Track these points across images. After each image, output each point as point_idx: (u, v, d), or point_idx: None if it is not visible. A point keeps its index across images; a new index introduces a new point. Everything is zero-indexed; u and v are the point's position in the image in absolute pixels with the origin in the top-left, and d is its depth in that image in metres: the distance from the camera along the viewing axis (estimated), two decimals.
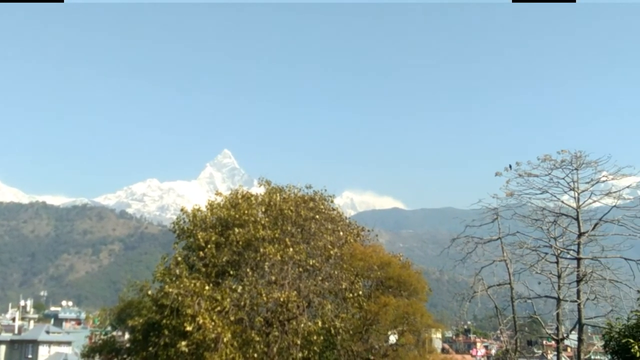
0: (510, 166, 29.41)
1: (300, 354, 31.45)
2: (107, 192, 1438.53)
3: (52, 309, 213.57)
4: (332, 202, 38.82)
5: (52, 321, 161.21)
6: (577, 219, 28.48)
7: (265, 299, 30.67)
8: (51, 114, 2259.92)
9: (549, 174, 29.08)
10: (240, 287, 31.12)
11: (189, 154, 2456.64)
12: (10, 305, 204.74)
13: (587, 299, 27.48)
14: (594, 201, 29.02)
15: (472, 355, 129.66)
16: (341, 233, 36.68)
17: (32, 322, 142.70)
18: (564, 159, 28.93)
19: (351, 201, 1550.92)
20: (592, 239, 28.41)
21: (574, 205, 28.80)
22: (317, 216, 35.43)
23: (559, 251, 28.65)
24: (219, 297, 30.23)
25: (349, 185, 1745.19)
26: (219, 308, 30.03)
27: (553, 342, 38.20)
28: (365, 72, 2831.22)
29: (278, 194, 35.82)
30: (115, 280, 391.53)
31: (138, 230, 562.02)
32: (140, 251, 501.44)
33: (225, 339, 29.20)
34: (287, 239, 32.50)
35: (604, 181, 29.16)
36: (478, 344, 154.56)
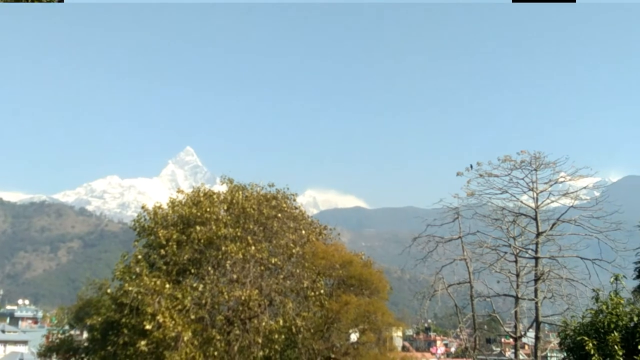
0: (471, 166, 29.69)
1: (261, 353, 31.36)
2: (66, 189, 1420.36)
3: (8, 307, 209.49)
4: (294, 200, 38.82)
5: (8, 320, 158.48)
6: (535, 218, 28.88)
7: (226, 297, 30.53)
8: (9, 109, 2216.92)
9: (509, 174, 29.46)
10: (201, 286, 30.94)
11: (150, 151, 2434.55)
12: None
13: (545, 297, 27.87)
14: (552, 201, 29.47)
15: (432, 353, 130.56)
16: (303, 232, 36.69)
17: None
18: (524, 160, 29.33)
19: (314, 200, 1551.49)
20: (549, 239, 28.84)
21: (533, 205, 29.19)
22: (280, 215, 35.40)
23: (517, 250, 29.01)
24: (179, 296, 29.99)
25: (312, 184, 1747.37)
26: (179, 306, 29.80)
27: (511, 340, 38.71)
28: (331, 70, 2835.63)
29: (240, 192, 35.68)
30: (74, 278, 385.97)
31: (98, 228, 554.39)
32: (100, 249, 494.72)
33: (185, 338, 29.00)
34: (249, 237, 32.41)
35: (562, 182, 29.63)
36: (438, 342, 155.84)
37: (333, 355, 37.40)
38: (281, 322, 31.69)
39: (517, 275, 28.76)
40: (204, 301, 30.46)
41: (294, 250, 34.04)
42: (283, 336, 32.41)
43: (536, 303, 27.91)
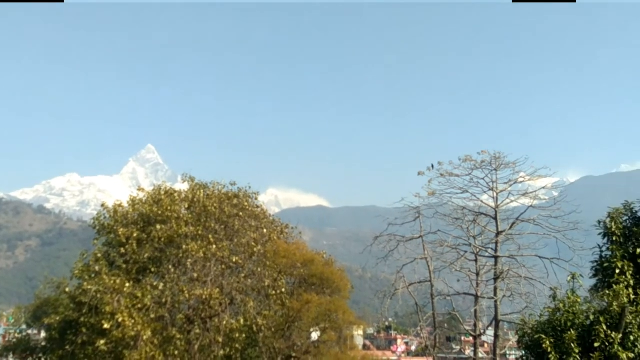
0: (432, 166, 29.85)
1: (222, 352, 31.24)
2: (24, 187, 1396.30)
3: None
4: (256, 199, 38.69)
5: None
6: (495, 218, 29.17)
7: (187, 296, 30.35)
8: None
9: (470, 174, 29.70)
10: (161, 284, 30.70)
11: (111, 149, 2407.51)
12: None
13: (504, 296, 28.16)
14: (512, 201, 29.79)
15: (393, 352, 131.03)
16: (265, 230, 36.59)
17: None
18: (484, 160, 29.59)
19: (276, 198, 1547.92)
20: (509, 238, 29.14)
21: (493, 204, 29.47)
22: (241, 213, 35.26)
23: (477, 249, 29.27)
24: (139, 295, 29.71)
25: (274, 183, 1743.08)
26: (139, 305, 29.51)
27: (471, 338, 39.05)
28: (295, 69, 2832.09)
29: (202, 191, 35.45)
30: (32, 277, 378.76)
31: (57, 226, 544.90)
32: (59, 247, 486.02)
33: (145, 337, 28.74)
34: (210, 236, 32.23)
35: (521, 182, 29.96)
36: (399, 341, 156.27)
37: (294, 354, 37.39)
38: (242, 321, 31.59)
39: (477, 274, 29.01)
40: (164, 300, 30.20)
41: (255, 249, 33.93)
42: (244, 335, 32.30)
43: (495, 301, 28.19)
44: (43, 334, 41.10)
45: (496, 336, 29.29)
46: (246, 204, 36.63)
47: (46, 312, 36.25)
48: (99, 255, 32.40)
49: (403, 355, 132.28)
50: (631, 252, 19.79)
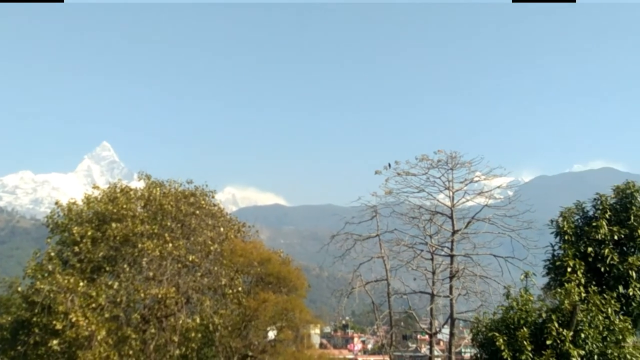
0: (389, 165, 29.95)
1: (177, 351, 31.04)
2: None
3: None
4: (213, 197, 38.46)
5: None
6: (451, 217, 29.42)
7: (142, 295, 30.08)
8: None
9: (426, 173, 29.89)
10: (116, 284, 30.31)
11: (65, 146, 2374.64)
12: None
13: (459, 294, 28.45)
14: (467, 200, 30.09)
15: (350, 350, 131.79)
16: (222, 229, 36.41)
17: None
18: (440, 159, 29.79)
19: (233, 197, 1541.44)
20: (464, 237, 29.43)
21: (449, 203, 29.72)
22: (198, 212, 35.05)
23: (433, 248, 29.52)
24: (93, 294, 29.33)
25: (232, 181, 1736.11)
26: (93, 305, 29.13)
27: (427, 336, 39.40)
28: (254, 67, 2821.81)
29: (158, 189, 35.10)
30: None
31: (9, 224, 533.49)
32: (11, 246, 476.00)
33: (99, 337, 28.39)
34: (166, 235, 32.00)
35: (476, 181, 30.28)
36: (355, 339, 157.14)
37: (250, 353, 37.24)
38: (198, 320, 31.42)
39: (433, 273, 29.24)
40: (119, 299, 29.85)
41: (212, 248, 33.75)
42: (200, 334, 32.12)
43: (451, 300, 28.45)
44: None
45: (451, 334, 29.55)
46: (203, 202, 36.40)
47: None
48: (53, 254, 31.89)
49: (359, 353, 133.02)
50: (582, 251, 20.19)
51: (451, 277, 28.68)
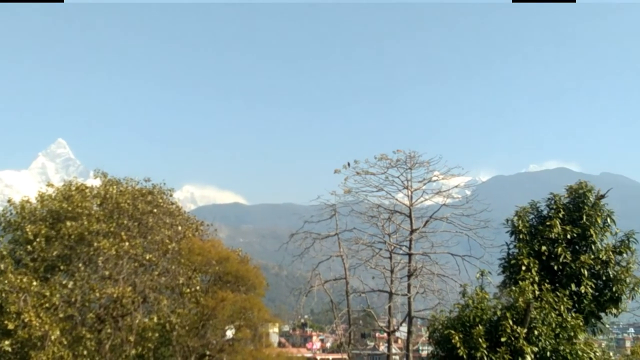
0: (348, 164, 30.05)
1: (134, 351, 30.80)
2: None
3: None
4: (171, 195, 38.26)
5: None
6: (409, 216, 29.66)
7: (98, 294, 29.79)
8: None
9: (385, 172, 30.08)
10: (71, 283, 29.95)
11: (19, 142, 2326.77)
12: None
13: (417, 292, 28.71)
14: (426, 199, 30.36)
15: (308, 349, 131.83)
16: (180, 227, 36.22)
17: None
18: (399, 159, 30.01)
19: (192, 195, 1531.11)
20: (422, 236, 29.68)
21: (407, 203, 29.95)
22: (155, 210, 34.82)
23: (392, 247, 29.73)
24: (47, 293, 28.94)
25: (191, 179, 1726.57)
26: (47, 305, 28.76)
27: (385, 335, 39.61)
28: (214, 64, 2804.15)
29: (115, 187, 34.77)
30: None
31: None
32: None
33: (53, 337, 27.98)
34: (122, 233, 31.71)
35: (435, 180, 30.58)
36: (314, 338, 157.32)
37: (208, 353, 37.08)
38: (155, 320, 31.25)
39: (392, 271, 29.45)
40: (73, 299, 29.50)
41: (169, 247, 33.53)
42: (157, 334, 31.94)
43: (409, 298, 28.68)
44: None
45: (409, 332, 29.79)
46: (161, 200, 36.17)
47: None
48: (5, 252, 31.29)
49: (318, 352, 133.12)
50: (536, 249, 20.47)
51: (409, 276, 28.91)
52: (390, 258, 29.75)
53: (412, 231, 29.29)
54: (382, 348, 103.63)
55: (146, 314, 31.80)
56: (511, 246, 21.63)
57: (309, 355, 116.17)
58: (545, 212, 21.83)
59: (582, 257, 20.17)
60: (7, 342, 27.74)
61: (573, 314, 18.77)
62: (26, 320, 27.41)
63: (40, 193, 34.23)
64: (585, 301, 20.14)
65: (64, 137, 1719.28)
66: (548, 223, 20.80)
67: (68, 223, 31.10)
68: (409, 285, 28.78)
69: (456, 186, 31.31)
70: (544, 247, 20.43)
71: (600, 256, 20.47)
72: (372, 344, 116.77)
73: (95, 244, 30.46)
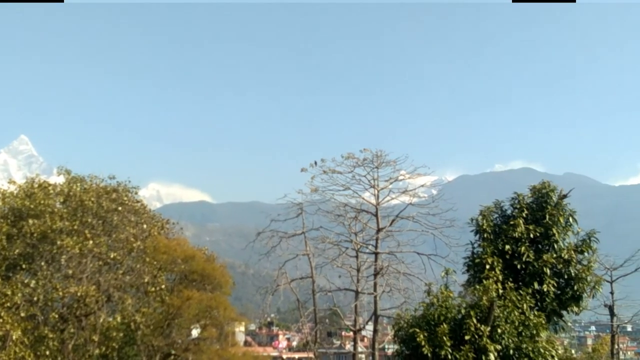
0: (315, 163, 30.13)
1: (97, 351, 30.53)
2: None
3: None
4: (136, 193, 37.86)
5: None
6: (376, 215, 29.80)
7: (61, 293, 29.45)
8: None
9: (352, 171, 30.21)
10: (33, 282, 29.53)
11: None
12: None
13: (383, 291, 28.86)
14: (392, 198, 30.54)
15: (274, 348, 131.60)
16: (145, 226, 35.87)
17: None
18: (366, 158, 30.16)
19: (157, 193, 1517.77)
20: (389, 235, 29.86)
21: (374, 202, 30.09)
22: (120, 208, 34.44)
23: (358, 246, 29.83)
24: (9, 292, 28.50)
25: (156, 177, 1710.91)
26: (8, 304, 28.34)
27: (351, 333, 39.74)
28: (176, 61, 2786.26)
29: (78, 184, 34.31)
30: None
31: None
32: None
33: (14, 337, 27.60)
34: (86, 231, 31.36)
35: (401, 180, 30.77)
36: (280, 336, 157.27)
37: (173, 352, 36.86)
38: (119, 319, 31.01)
39: (358, 270, 29.56)
40: (35, 298, 29.08)
41: (134, 245, 33.22)
42: (121, 333, 31.68)
43: (375, 297, 28.83)
44: None
45: (375, 331, 29.94)
46: (125, 198, 35.80)
47: None
48: None
49: (284, 351, 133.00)
50: (500, 248, 20.72)
51: (375, 275, 29.05)
52: (357, 257, 29.86)
53: (379, 230, 29.43)
54: (348, 347, 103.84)
55: (110, 313, 31.55)
56: (476, 245, 21.87)
57: (275, 354, 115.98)
58: (509, 212, 22.11)
59: (545, 256, 20.47)
60: None
61: (535, 312, 19.01)
62: None
63: (1, 190, 33.67)
64: (547, 299, 20.43)
65: (27, 133, 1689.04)
66: (512, 222, 21.07)
67: (30, 221, 30.66)
68: (375, 284, 28.92)
69: (422, 185, 31.55)
70: (507, 246, 20.68)
71: (563, 255, 20.80)
72: (339, 342, 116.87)
73: (59, 242, 30.08)
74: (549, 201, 21.58)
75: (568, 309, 21.11)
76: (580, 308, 21.32)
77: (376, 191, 30.07)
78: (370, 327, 31.46)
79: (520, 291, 19.15)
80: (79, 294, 29.42)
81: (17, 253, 30.52)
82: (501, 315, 18.11)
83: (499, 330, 17.77)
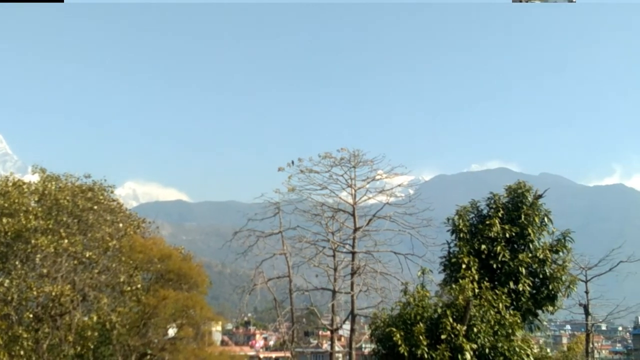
0: (292, 162, 30.11)
1: (72, 350, 30.31)
2: None
3: None
4: (112, 192, 37.61)
5: None
6: (353, 214, 29.84)
7: (35, 293, 29.11)
8: None
9: (329, 170, 30.21)
10: (7, 281, 29.22)
11: None
12: None
13: (360, 290, 28.90)
14: (369, 198, 30.59)
15: (251, 347, 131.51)
16: (121, 225, 35.64)
17: None
18: (343, 157, 30.18)
19: (134, 192, 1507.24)
20: (366, 234, 29.91)
21: (351, 201, 30.13)
22: (96, 207, 34.18)
23: (335, 245, 29.84)
24: None
25: (133, 176, 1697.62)
26: None
27: (328, 333, 39.81)
28: (153, 57, 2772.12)
29: (53, 183, 34.00)
30: None
31: None
32: None
33: None
34: (61, 230, 31.06)
35: (378, 179, 30.83)
36: (257, 336, 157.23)
37: (149, 351, 36.74)
38: (95, 318, 30.76)
39: (335, 270, 29.58)
40: (9, 297, 28.77)
41: (110, 244, 32.97)
42: (97, 333, 31.47)
43: (352, 296, 28.87)
44: None
45: (352, 330, 29.98)
46: (101, 197, 35.55)
47: None
48: None
49: (261, 350, 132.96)
50: (476, 248, 20.90)
51: (352, 274, 29.09)
52: (334, 256, 29.88)
53: (356, 229, 29.48)
54: (325, 346, 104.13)
55: (85, 313, 31.32)
56: (452, 245, 22.03)
57: (252, 353, 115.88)
58: (485, 212, 22.31)
59: (520, 256, 20.68)
60: None
61: (511, 312, 19.20)
62: None
63: None
64: (523, 299, 20.65)
65: (1, 131, 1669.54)
66: (488, 222, 21.26)
67: (4, 220, 30.32)
68: (352, 283, 28.96)
69: (399, 185, 31.67)
70: (483, 246, 20.87)
71: (538, 255, 21.02)
72: (316, 342, 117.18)
73: (33, 241, 29.78)
74: (524, 201, 21.81)
75: (543, 308, 21.35)
76: (556, 307, 21.57)
77: (353, 191, 30.11)
78: (347, 326, 31.52)
79: (496, 290, 19.33)
80: (53, 293, 29.13)
81: None
82: (477, 314, 18.26)
83: (475, 330, 17.93)
